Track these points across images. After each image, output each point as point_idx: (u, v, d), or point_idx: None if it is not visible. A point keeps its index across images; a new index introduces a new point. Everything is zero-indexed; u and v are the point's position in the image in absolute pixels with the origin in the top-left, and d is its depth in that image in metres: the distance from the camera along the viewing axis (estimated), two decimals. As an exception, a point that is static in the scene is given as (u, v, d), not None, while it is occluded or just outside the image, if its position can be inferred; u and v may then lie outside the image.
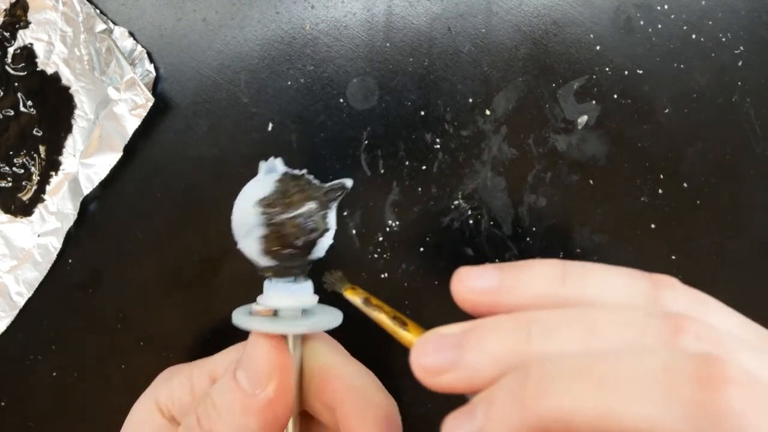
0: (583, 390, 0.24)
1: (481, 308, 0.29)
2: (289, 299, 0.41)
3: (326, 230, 0.41)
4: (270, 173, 0.42)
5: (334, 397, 0.41)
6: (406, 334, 0.35)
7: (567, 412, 0.24)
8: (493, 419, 0.26)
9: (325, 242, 0.41)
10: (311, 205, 0.40)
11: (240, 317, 0.41)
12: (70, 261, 0.51)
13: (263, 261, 0.41)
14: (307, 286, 0.42)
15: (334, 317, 0.42)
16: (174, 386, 0.43)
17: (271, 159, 0.43)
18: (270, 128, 0.49)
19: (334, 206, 0.41)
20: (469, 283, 0.29)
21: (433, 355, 0.28)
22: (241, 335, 0.42)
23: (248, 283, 0.50)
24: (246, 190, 0.42)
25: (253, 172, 0.49)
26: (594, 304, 0.27)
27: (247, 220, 0.41)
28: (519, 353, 0.26)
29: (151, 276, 0.51)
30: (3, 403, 0.53)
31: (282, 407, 0.40)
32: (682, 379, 0.23)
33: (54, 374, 0.52)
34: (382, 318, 0.36)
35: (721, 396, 0.22)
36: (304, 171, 0.42)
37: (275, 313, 0.41)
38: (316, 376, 0.42)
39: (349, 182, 0.41)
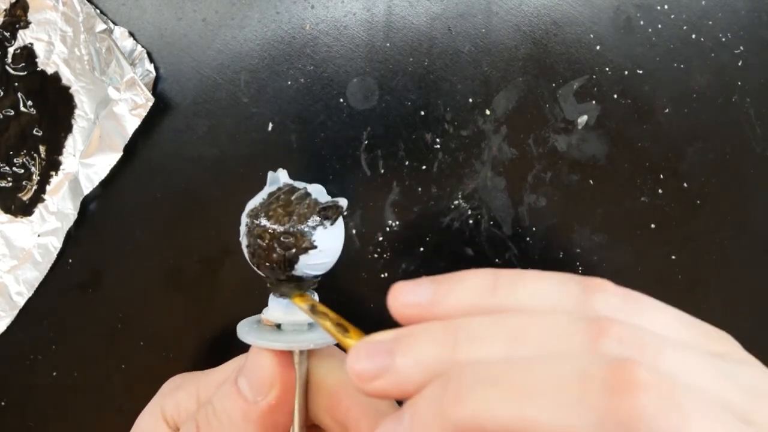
0: (498, 397, 0.24)
1: (415, 321, 0.30)
2: (292, 314, 0.42)
3: (308, 248, 0.40)
4: (272, 184, 0.42)
5: (347, 415, 0.41)
6: (347, 341, 0.35)
7: (481, 419, 0.24)
8: (415, 426, 0.26)
9: (313, 260, 0.40)
10: (293, 220, 0.40)
11: (244, 329, 0.41)
12: (70, 261, 0.51)
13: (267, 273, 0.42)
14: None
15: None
16: (180, 396, 0.43)
17: (279, 170, 0.43)
18: (270, 128, 0.49)
19: (328, 224, 0.41)
20: (402, 297, 0.30)
21: (365, 361, 0.28)
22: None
23: (248, 284, 0.50)
24: (252, 199, 0.42)
25: (252, 172, 0.50)
26: (523, 311, 0.28)
27: (241, 229, 0.42)
28: (445, 360, 0.27)
29: (151, 276, 0.51)
30: (3, 403, 0.53)
31: (282, 415, 0.40)
32: (595, 385, 0.23)
33: (54, 374, 0.52)
34: (327, 325, 0.37)
35: (631, 401, 0.23)
36: (305, 186, 0.42)
37: (279, 326, 0.42)
38: (327, 392, 0.42)
39: (343, 201, 0.41)
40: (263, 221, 0.40)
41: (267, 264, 0.40)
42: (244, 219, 0.41)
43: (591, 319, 0.26)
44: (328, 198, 0.41)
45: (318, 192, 0.42)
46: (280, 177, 0.42)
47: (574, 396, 0.23)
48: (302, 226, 0.40)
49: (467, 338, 0.27)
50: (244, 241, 0.41)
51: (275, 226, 0.40)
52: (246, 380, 0.40)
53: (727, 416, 0.24)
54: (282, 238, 0.40)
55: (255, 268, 0.42)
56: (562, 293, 0.28)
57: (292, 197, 0.41)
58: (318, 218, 0.40)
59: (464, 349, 0.27)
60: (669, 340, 0.26)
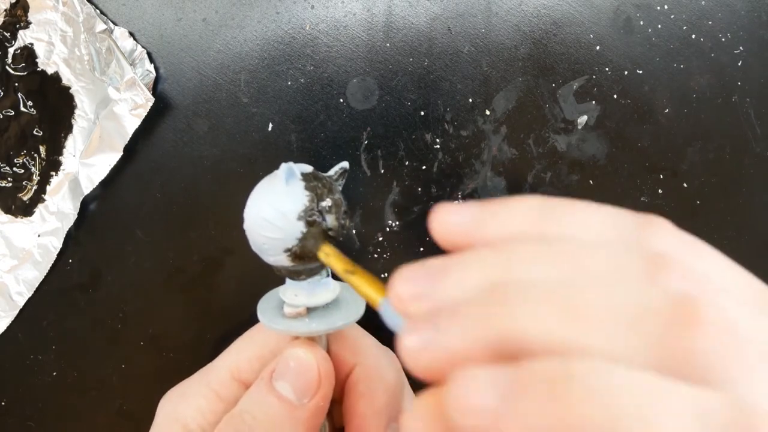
0: (549, 313, 0.23)
1: (459, 244, 0.28)
2: (324, 294, 0.41)
3: (346, 211, 0.40)
4: (290, 179, 0.40)
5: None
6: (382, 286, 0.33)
7: (529, 334, 0.23)
8: (454, 328, 0.25)
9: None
10: (337, 196, 0.39)
11: (277, 323, 0.40)
12: (70, 261, 0.51)
13: (301, 266, 0.40)
14: (329, 277, 0.41)
15: (357, 300, 0.42)
16: (198, 402, 0.41)
17: (289, 164, 0.41)
18: (270, 128, 0.49)
19: (340, 187, 0.41)
20: (445, 217, 0.28)
21: (408, 283, 0.27)
22: (242, 333, 0.43)
23: (248, 284, 0.50)
24: (275, 204, 0.39)
25: (252, 172, 0.50)
26: (574, 241, 0.26)
27: (285, 234, 0.39)
28: (493, 281, 0.25)
29: (151, 276, 0.51)
30: (3, 403, 0.53)
31: (324, 413, 0.39)
32: (654, 315, 0.22)
33: (54, 374, 0.52)
34: (364, 277, 0.34)
35: (691, 335, 0.22)
36: (311, 168, 0.41)
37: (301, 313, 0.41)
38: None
39: (346, 164, 0.41)
40: (328, 204, 0.39)
41: (333, 240, 0.39)
42: (297, 222, 0.38)
43: (651, 253, 0.24)
44: (311, 168, 0.41)
45: (307, 167, 0.41)
46: (296, 169, 0.41)
47: (631, 323, 0.22)
48: (339, 195, 0.40)
49: (519, 262, 0.25)
50: (297, 241, 0.39)
51: (337, 203, 0.39)
52: (287, 383, 0.38)
53: None
54: (344, 210, 0.39)
55: (304, 261, 0.40)
56: (616, 225, 0.26)
57: (323, 180, 0.40)
58: (339, 185, 0.40)
59: (513, 270, 0.25)
60: (730, 291, 0.24)
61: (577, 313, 0.23)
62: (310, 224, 0.38)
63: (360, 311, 0.41)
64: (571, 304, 0.23)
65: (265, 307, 0.41)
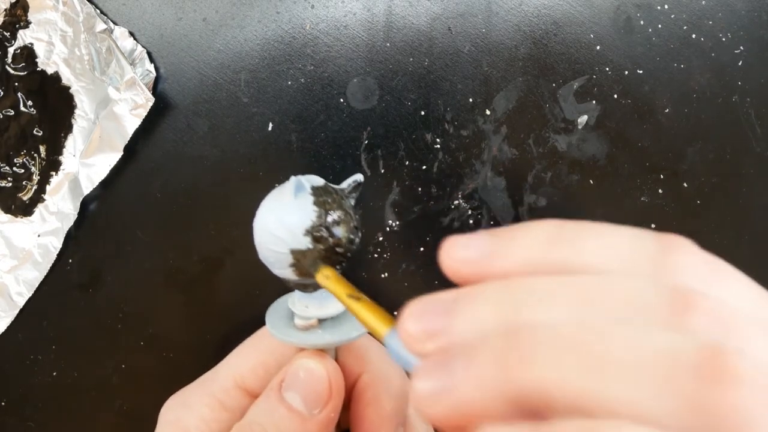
0: (573, 364, 0.22)
1: (470, 279, 0.27)
2: (335, 304, 0.40)
3: (357, 227, 0.39)
4: (300, 189, 0.40)
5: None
6: (387, 317, 0.32)
7: (551, 385, 0.22)
8: (469, 378, 0.23)
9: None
10: (348, 211, 0.39)
11: (290, 336, 0.39)
12: (70, 261, 0.51)
13: (307, 279, 0.39)
14: None
15: None
16: (201, 410, 0.40)
17: (299, 178, 0.41)
18: (270, 128, 0.49)
19: (353, 201, 0.40)
20: (456, 252, 0.27)
21: (419, 321, 0.26)
22: (244, 335, 0.42)
23: (248, 283, 0.50)
24: (282, 219, 0.38)
25: (252, 172, 0.50)
26: (591, 270, 0.25)
27: (291, 249, 0.38)
28: (508, 322, 0.24)
29: (151, 276, 0.51)
30: (3, 403, 0.53)
31: (335, 423, 0.39)
32: (684, 368, 0.21)
33: (54, 374, 0.52)
34: (366, 305, 0.33)
35: (726, 393, 0.20)
36: (322, 180, 0.41)
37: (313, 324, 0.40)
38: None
39: (360, 177, 0.40)
40: (333, 225, 0.39)
41: (342, 256, 0.39)
42: (303, 237, 0.38)
43: (675, 289, 0.23)
44: (323, 181, 0.40)
45: (319, 180, 0.41)
46: (305, 183, 0.41)
47: (658, 376, 0.21)
48: (350, 210, 0.39)
49: (532, 298, 0.24)
50: (307, 256, 0.38)
51: (347, 219, 0.39)
52: (297, 394, 0.38)
53: None
54: (352, 229, 0.39)
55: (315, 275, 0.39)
56: (636, 250, 0.25)
57: (333, 194, 0.39)
58: (351, 199, 0.40)
59: (529, 310, 0.24)
60: (759, 320, 0.23)
61: (600, 363, 0.22)
62: (316, 240, 0.37)
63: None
64: (593, 351, 0.22)
65: (274, 318, 0.41)
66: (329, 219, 0.38)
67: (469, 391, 0.23)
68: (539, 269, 0.25)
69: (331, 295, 0.39)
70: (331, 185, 0.39)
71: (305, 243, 0.37)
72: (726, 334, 0.22)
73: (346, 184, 0.40)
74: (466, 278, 0.27)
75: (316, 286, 0.39)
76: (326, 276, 0.36)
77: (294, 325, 0.40)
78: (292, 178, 0.38)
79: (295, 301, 0.40)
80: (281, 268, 0.38)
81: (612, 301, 0.23)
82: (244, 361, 0.42)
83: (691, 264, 0.24)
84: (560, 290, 0.24)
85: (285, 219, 0.38)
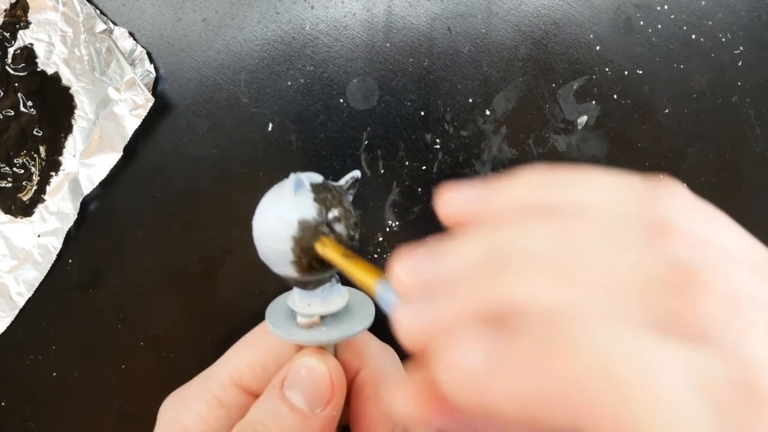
0: (545, 278, 0.22)
1: (463, 221, 0.28)
2: (336, 300, 0.40)
3: (356, 222, 0.40)
4: (299, 190, 0.40)
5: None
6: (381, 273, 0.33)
7: (524, 299, 0.22)
8: (447, 302, 0.24)
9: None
10: (347, 207, 0.39)
11: (294, 334, 0.39)
12: (69, 261, 0.51)
13: (308, 276, 0.39)
14: (339, 283, 0.41)
15: (365, 302, 0.41)
16: (200, 408, 0.41)
17: (299, 175, 0.41)
18: (270, 128, 0.49)
19: (351, 197, 0.40)
20: (449, 197, 0.28)
21: (409, 265, 0.27)
22: (243, 335, 0.42)
23: (248, 283, 0.50)
24: (282, 216, 0.38)
25: (252, 172, 0.49)
26: (579, 209, 0.25)
27: (293, 246, 0.38)
28: (489, 255, 0.25)
29: (151, 276, 0.51)
30: (3, 403, 0.53)
31: (337, 420, 0.39)
32: (655, 281, 0.22)
33: (54, 374, 0.52)
34: (362, 266, 0.34)
35: (693, 302, 0.21)
36: (320, 176, 0.41)
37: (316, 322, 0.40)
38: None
39: (357, 173, 0.40)
40: (336, 216, 0.39)
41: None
42: (303, 232, 0.38)
43: (654, 219, 0.24)
44: (322, 178, 0.40)
45: (317, 176, 0.40)
46: (305, 180, 0.40)
47: (631, 288, 0.22)
48: (349, 206, 0.39)
49: (515, 232, 0.25)
50: (307, 253, 0.38)
51: (346, 215, 0.39)
52: (299, 393, 0.38)
53: None
54: (352, 226, 0.39)
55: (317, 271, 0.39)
56: (625, 189, 0.25)
57: (332, 191, 0.39)
58: (350, 196, 0.40)
59: (510, 244, 0.24)
60: (741, 260, 0.24)
61: (569, 277, 0.22)
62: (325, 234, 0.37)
63: (371, 312, 0.41)
64: (564, 268, 0.23)
65: (274, 318, 0.41)
66: (329, 216, 0.38)
67: (444, 309, 0.24)
68: (527, 210, 0.26)
69: (333, 292, 0.40)
70: (330, 182, 0.39)
71: (309, 234, 0.37)
72: (700, 260, 0.23)
73: (344, 180, 0.40)
74: (458, 220, 0.28)
75: (316, 283, 0.40)
76: (323, 243, 0.37)
77: (296, 324, 0.40)
78: (292, 175, 0.38)
79: (295, 299, 0.40)
80: (282, 265, 0.38)
81: (590, 230, 0.24)
82: (241, 359, 0.42)
83: (676, 203, 0.25)
84: (540, 223, 0.25)
85: (285, 216, 0.37)
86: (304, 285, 0.40)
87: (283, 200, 0.38)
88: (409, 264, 0.27)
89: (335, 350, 0.42)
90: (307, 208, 0.38)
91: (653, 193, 0.25)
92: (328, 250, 0.36)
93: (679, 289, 0.21)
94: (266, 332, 0.42)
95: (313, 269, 0.38)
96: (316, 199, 0.38)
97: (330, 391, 0.38)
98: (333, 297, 0.40)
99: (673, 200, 0.25)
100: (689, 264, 0.22)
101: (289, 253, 0.37)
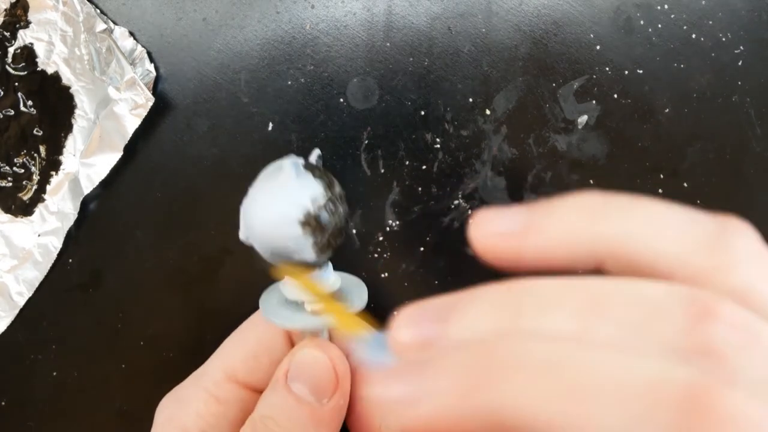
0: (541, 390, 0.20)
1: (505, 255, 0.24)
2: (334, 280, 0.41)
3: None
4: (300, 172, 0.39)
5: None
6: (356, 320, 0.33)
7: (511, 412, 0.20)
8: (433, 390, 0.21)
9: None
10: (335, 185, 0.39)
11: (305, 321, 0.39)
12: (69, 261, 0.51)
13: (323, 257, 0.39)
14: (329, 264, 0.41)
15: (356, 283, 0.42)
16: (196, 406, 0.40)
17: (293, 158, 0.40)
18: (270, 128, 0.49)
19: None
20: (488, 226, 0.24)
21: (411, 328, 0.23)
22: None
23: (248, 284, 0.50)
24: (297, 201, 0.38)
25: (252, 172, 0.49)
26: (635, 250, 0.22)
27: (312, 228, 0.38)
28: (504, 330, 0.21)
29: (151, 276, 0.51)
30: (3, 403, 0.53)
31: (345, 409, 0.38)
32: (665, 403, 0.19)
33: (54, 374, 0.52)
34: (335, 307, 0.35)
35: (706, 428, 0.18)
36: (301, 159, 0.41)
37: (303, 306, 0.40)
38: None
39: (318, 151, 0.41)
40: (341, 192, 0.39)
41: (340, 234, 0.39)
42: (306, 213, 0.37)
43: (695, 297, 0.20)
44: (301, 159, 0.40)
45: (300, 159, 0.40)
46: (299, 161, 0.40)
47: (636, 409, 0.19)
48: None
49: (535, 305, 0.21)
50: (313, 235, 0.38)
51: (339, 196, 0.39)
52: (303, 385, 0.37)
53: None
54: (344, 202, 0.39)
55: (321, 252, 0.39)
56: (688, 233, 0.22)
57: (319, 169, 0.39)
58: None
59: (528, 317, 0.21)
60: None
61: (577, 392, 0.19)
62: (331, 213, 0.38)
63: (364, 290, 0.41)
64: (575, 377, 0.19)
65: (271, 310, 0.40)
66: (336, 190, 0.38)
67: (434, 405, 0.21)
68: (579, 246, 0.23)
69: (327, 273, 0.40)
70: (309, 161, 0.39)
71: (324, 216, 0.37)
72: (745, 344, 0.20)
73: (314, 159, 0.40)
74: (500, 256, 0.25)
75: (321, 265, 0.40)
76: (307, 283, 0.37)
77: (296, 312, 0.40)
78: (287, 160, 0.38)
79: (293, 289, 0.40)
80: (301, 251, 0.38)
81: (620, 309, 0.21)
82: (233, 353, 0.42)
83: (753, 263, 0.21)
84: (567, 293, 0.21)
85: (295, 199, 0.37)
86: (315, 265, 0.39)
87: (287, 185, 0.38)
88: (414, 326, 0.24)
89: (330, 337, 0.41)
90: (313, 186, 0.38)
91: (723, 233, 0.22)
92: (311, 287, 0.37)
93: (690, 416, 0.18)
94: (254, 325, 0.42)
95: (330, 247, 0.38)
96: (316, 177, 0.38)
97: (334, 380, 0.38)
98: (329, 278, 0.40)
99: (745, 244, 0.21)
100: (708, 381, 0.19)
101: (308, 236, 0.37)
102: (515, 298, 0.22)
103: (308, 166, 0.39)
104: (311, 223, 0.37)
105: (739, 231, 0.22)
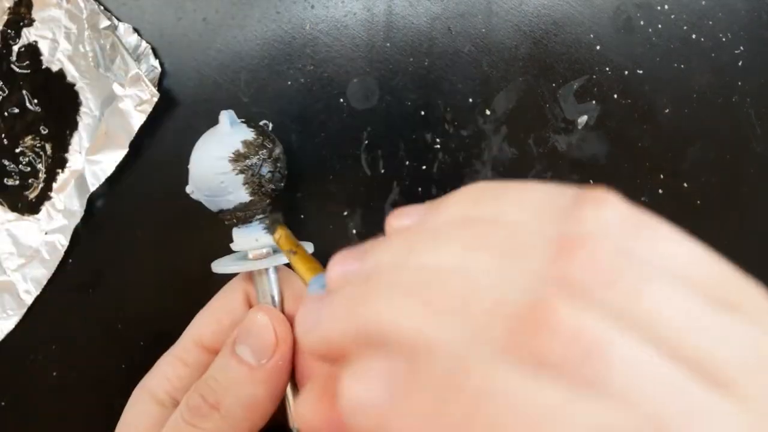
0: (404, 306, 0.22)
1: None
2: (264, 237, 0.44)
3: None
4: (234, 123, 0.43)
5: None
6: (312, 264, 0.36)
7: (383, 324, 0.22)
8: (327, 313, 0.25)
9: None
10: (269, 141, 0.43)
11: (233, 267, 0.43)
12: (70, 261, 0.51)
13: (257, 200, 0.43)
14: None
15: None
16: (164, 369, 0.44)
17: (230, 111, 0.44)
18: (270, 128, 0.50)
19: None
20: (395, 220, 0.28)
21: (338, 266, 0.27)
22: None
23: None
24: (229, 142, 0.42)
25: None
26: (497, 219, 0.24)
27: (242, 166, 0.42)
28: (398, 263, 0.25)
29: (151, 276, 0.52)
30: (3, 403, 0.53)
31: (286, 373, 0.41)
32: (505, 315, 0.20)
33: (54, 374, 0.52)
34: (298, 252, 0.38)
35: (535, 344, 0.20)
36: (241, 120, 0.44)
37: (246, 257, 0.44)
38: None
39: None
40: (268, 141, 0.43)
41: (279, 185, 0.43)
42: (237, 162, 0.42)
43: (565, 232, 0.22)
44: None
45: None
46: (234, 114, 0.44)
47: (478, 326, 0.21)
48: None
49: (425, 242, 0.24)
50: (250, 181, 0.42)
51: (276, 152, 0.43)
52: (247, 346, 0.40)
53: (684, 372, 0.19)
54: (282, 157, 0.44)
55: (260, 198, 0.43)
56: (550, 202, 0.24)
57: (259, 126, 0.44)
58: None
59: (418, 252, 0.24)
60: (662, 271, 0.21)
61: (431, 307, 0.22)
62: (265, 157, 0.42)
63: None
64: (430, 295, 0.22)
65: (220, 264, 0.44)
66: (271, 138, 0.43)
67: (327, 326, 0.25)
68: (449, 225, 0.25)
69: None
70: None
71: (246, 162, 0.42)
72: (601, 278, 0.21)
73: (226, 118, 0.43)
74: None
75: (262, 212, 0.43)
76: (279, 234, 0.40)
77: (243, 261, 0.44)
78: (224, 112, 0.43)
79: (240, 242, 0.44)
80: (233, 191, 0.42)
81: (495, 244, 0.23)
82: (201, 321, 0.45)
83: (602, 212, 0.23)
84: (454, 235, 0.24)
85: (228, 141, 0.42)
86: (250, 217, 0.43)
87: (220, 133, 0.43)
88: (340, 263, 0.27)
89: (282, 305, 0.44)
90: (247, 133, 0.42)
91: (578, 202, 0.23)
92: (282, 240, 0.40)
93: (523, 329, 0.20)
94: (222, 296, 0.45)
95: (263, 188, 0.42)
96: (249, 126, 0.43)
97: (274, 341, 0.41)
98: (260, 233, 0.44)
99: (598, 208, 0.23)
100: (545, 297, 0.20)
101: (239, 173, 0.41)
102: (415, 236, 0.25)
103: (244, 121, 0.43)
104: (240, 159, 0.41)
105: (596, 201, 0.23)
